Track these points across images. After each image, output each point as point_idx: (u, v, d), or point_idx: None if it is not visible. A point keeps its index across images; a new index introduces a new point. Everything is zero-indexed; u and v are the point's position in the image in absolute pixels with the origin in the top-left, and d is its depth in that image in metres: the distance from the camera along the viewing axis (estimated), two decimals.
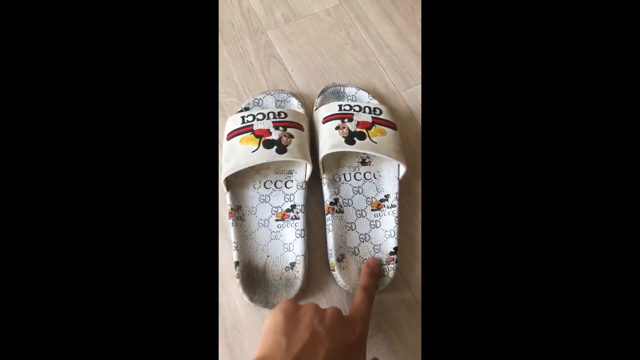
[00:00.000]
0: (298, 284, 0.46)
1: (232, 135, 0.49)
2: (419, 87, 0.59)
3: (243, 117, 0.50)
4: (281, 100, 0.56)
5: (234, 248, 0.47)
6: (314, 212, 0.52)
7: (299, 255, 0.47)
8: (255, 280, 0.47)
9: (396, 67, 0.60)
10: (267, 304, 0.46)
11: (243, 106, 0.55)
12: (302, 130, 0.50)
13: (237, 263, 0.47)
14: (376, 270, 0.46)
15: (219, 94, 0.58)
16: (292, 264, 0.47)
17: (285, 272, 0.47)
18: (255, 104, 0.55)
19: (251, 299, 0.46)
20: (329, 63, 0.60)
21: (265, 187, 0.51)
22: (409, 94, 0.59)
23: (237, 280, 0.46)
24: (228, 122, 0.51)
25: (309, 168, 0.49)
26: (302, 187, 0.50)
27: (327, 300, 0.49)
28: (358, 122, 0.50)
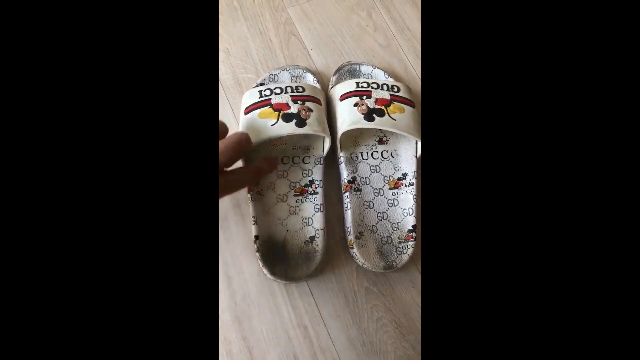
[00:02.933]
0: (318, 257, 0.46)
1: (250, 109, 0.49)
2: None
3: (260, 92, 0.50)
4: (297, 76, 0.55)
5: (253, 222, 0.47)
6: (331, 188, 0.52)
7: (318, 229, 0.47)
8: (275, 254, 0.47)
9: (417, 52, 0.60)
10: (287, 276, 0.46)
11: (259, 81, 0.54)
12: (320, 104, 0.50)
13: (256, 237, 0.46)
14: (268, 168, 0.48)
15: (237, 70, 0.58)
16: (312, 238, 0.47)
17: (305, 246, 0.47)
18: (271, 80, 0.54)
19: (272, 272, 0.45)
20: (349, 44, 0.60)
21: (283, 163, 0.50)
22: None
23: (257, 254, 0.46)
24: (245, 96, 0.51)
25: (327, 142, 0.49)
26: (320, 162, 0.50)
27: (340, 276, 0.48)
28: (376, 99, 0.49)
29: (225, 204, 0.51)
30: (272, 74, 0.55)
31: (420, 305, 0.48)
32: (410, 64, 0.59)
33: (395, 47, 0.60)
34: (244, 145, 0.42)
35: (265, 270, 0.46)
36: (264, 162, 0.47)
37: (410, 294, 0.48)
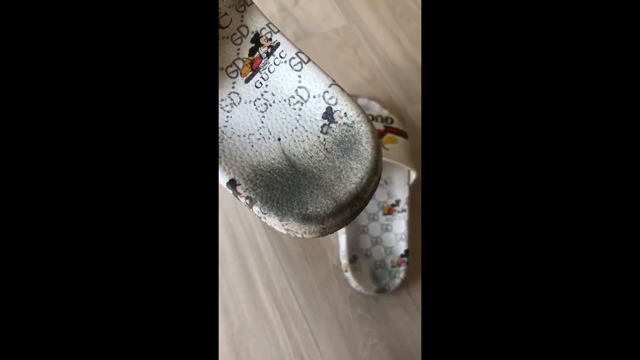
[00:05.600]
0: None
1: None
2: None
3: None
4: None
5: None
6: None
7: None
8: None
9: (401, 85, 0.62)
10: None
11: None
12: None
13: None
14: None
15: None
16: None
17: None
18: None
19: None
20: (337, 80, 0.62)
21: None
22: (414, 110, 0.61)
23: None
24: None
25: None
26: None
27: (334, 304, 0.49)
28: None
29: (221, 235, 0.52)
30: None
31: (413, 330, 0.48)
32: (395, 95, 0.62)
33: (381, 81, 0.63)
34: None
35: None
36: None
37: (403, 320, 0.49)
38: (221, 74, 0.27)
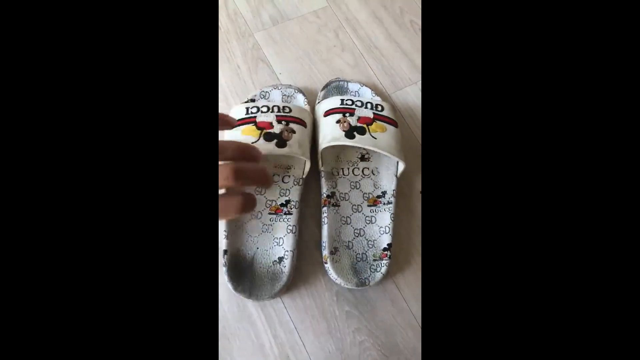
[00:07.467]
0: (284, 279, 0.45)
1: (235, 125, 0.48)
2: (409, 89, 0.59)
3: (247, 108, 0.49)
4: (288, 96, 0.54)
5: (224, 236, 0.46)
6: (310, 205, 0.51)
7: (287, 251, 0.47)
8: (242, 270, 0.46)
9: (385, 69, 0.60)
10: (250, 295, 0.45)
11: (249, 97, 0.53)
12: (305, 127, 0.49)
13: (225, 251, 0.46)
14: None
15: None
16: (280, 259, 0.47)
17: (273, 266, 0.47)
18: (262, 97, 0.54)
19: (235, 288, 0.45)
20: (317, 65, 0.60)
21: None
22: (399, 95, 0.59)
23: (224, 269, 0.45)
24: (232, 111, 0.50)
25: (307, 165, 0.49)
26: (298, 183, 0.49)
27: (320, 301, 0.47)
28: (359, 117, 0.49)
29: None
30: (263, 91, 0.54)
31: (402, 325, 0.47)
32: (379, 81, 0.59)
33: (364, 66, 0.60)
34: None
35: (230, 285, 0.45)
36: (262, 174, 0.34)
37: (390, 314, 0.47)
38: (262, 199, 0.50)
